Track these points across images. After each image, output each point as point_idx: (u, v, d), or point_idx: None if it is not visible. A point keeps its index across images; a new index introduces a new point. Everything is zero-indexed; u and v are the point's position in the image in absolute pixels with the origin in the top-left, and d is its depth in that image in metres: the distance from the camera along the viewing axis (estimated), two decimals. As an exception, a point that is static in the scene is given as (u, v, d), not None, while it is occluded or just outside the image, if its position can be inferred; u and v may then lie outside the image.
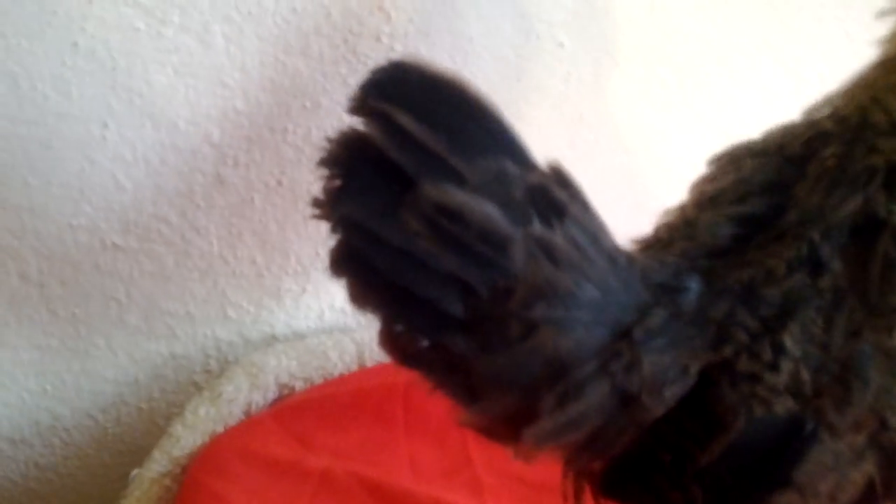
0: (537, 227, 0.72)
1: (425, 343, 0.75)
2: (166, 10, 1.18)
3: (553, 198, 0.73)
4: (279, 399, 1.34)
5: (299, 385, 1.36)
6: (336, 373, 1.38)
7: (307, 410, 1.28)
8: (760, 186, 0.83)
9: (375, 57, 1.32)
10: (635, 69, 1.49)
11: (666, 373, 0.76)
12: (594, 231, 0.76)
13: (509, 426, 0.77)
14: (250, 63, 1.25)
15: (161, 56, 1.21)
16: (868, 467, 0.77)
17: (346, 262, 0.74)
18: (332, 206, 0.73)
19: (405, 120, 0.70)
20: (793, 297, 0.77)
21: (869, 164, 0.79)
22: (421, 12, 1.32)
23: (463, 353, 0.73)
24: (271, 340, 1.48)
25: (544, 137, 1.46)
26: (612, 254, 0.76)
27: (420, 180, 0.70)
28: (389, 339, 0.76)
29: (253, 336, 1.47)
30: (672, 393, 0.76)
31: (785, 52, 1.52)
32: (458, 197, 0.70)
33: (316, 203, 0.74)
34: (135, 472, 1.24)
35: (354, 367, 1.38)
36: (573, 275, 0.73)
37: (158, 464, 1.23)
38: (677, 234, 0.84)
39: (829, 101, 0.87)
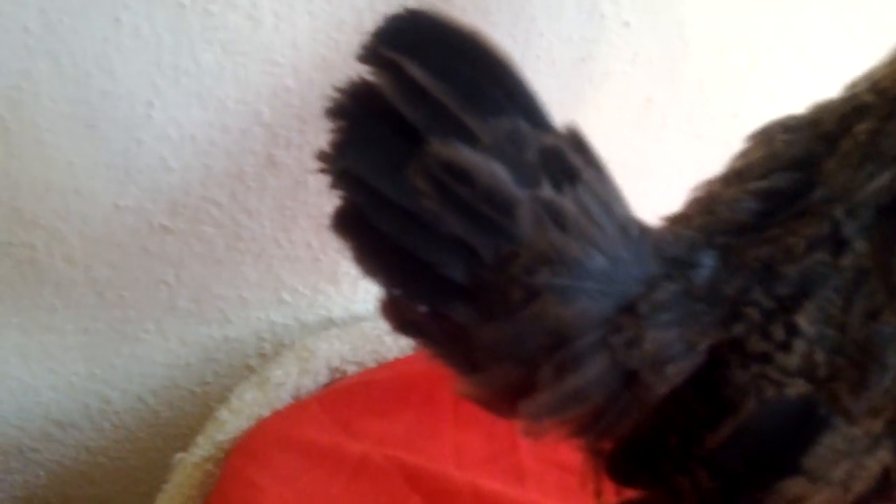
0: (547, 191, 0.69)
1: (424, 310, 0.73)
2: (213, -14, 1.16)
3: (566, 162, 0.71)
4: (330, 384, 1.31)
5: (352, 369, 1.33)
6: (391, 357, 1.35)
7: (354, 395, 1.25)
8: (788, 162, 0.78)
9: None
10: (706, 51, 1.42)
11: (670, 349, 0.73)
12: (607, 199, 0.72)
13: (509, 399, 0.75)
14: (301, 40, 1.22)
15: (208, 33, 1.18)
16: (884, 455, 0.72)
17: (346, 220, 0.71)
18: (334, 159, 0.70)
19: (417, 72, 0.68)
20: (811, 277, 0.72)
21: None
22: (480, -10, 1.28)
23: (463, 322, 0.71)
24: (328, 324, 1.45)
25: (611, 121, 1.43)
26: (625, 224, 0.73)
27: (429, 137, 0.68)
28: (388, 305, 0.74)
29: (309, 320, 1.44)
30: (676, 370, 0.73)
31: (864, 38, 1.43)
32: (466, 156, 0.68)
33: (320, 156, 0.71)
34: (178, 456, 1.23)
35: (410, 352, 1.35)
36: (581, 242, 0.70)
37: (202, 448, 1.22)
38: (700, 209, 0.80)
39: (870, 74, 0.81)
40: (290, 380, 1.28)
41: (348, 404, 1.24)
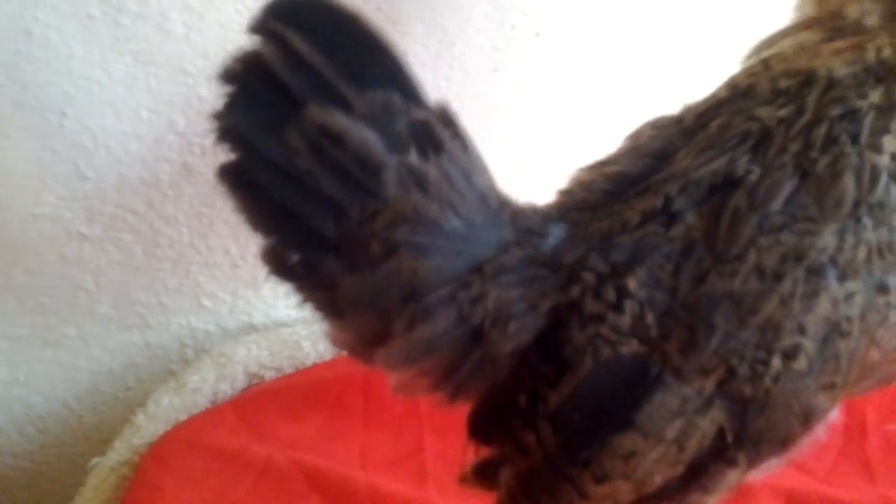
0: (413, 158, 0.76)
1: (296, 258, 0.79)
2: (122, -1, 1.18)
3: (433, 133, 0.78)
4: (248, 388, 1.33)
5: (269, 375, 1.36)
6: (308, 363, 1.38)
7: (267, 400, 1.28)
8: (646, 152, 0.85)
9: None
10: (617, 59, 1.45)
11: (512, 308, 0.79)
12: (468, 169, 0.79)
13: (369, 345, 0.82)
14: (212, 49, 1.24)
15: (119, 44, 1.21)
16: (717, 415, 0.78)
17: (229, 174, 0.77)
18: (221, 118, 0.76)
19: (299, 43, 0.74)
20: (643, 245, 0.79)
21: (745, 129, 0.80)
22: (390, 1, 1.30)
23: (330, 272, 0.78)
24: (249, 330, 1.47)
25: (525, 126, 1.46)
26: (485, 193, 0.80)
27: (308, 102, 0.74)
28: (267, 253, 0.80)
29: (230, 325, 1.47)
30: (518, 328, 0.80)
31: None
32: (340, 121, 0.74)
33: (213, 116, 0.77)
34: (95, 460, 1.25)
35: (329, 357, 1.37)
36: (440, 205, 0.78)
37: (118, 453, 1.24)
38: (562, 191, 0.88)
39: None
40: (206, 385, 1.30)
41: (261, 409, 1.26)
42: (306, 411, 1.26)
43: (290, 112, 0.75)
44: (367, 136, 0.75)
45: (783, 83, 0.82)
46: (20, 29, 1.15)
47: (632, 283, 0.78)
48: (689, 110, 0.88)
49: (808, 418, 0.80)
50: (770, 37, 0.88)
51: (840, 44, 0.82)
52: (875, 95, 0.78)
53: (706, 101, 0.87)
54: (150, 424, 1.26)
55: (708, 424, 0.79)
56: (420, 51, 1.35)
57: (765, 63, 0.85)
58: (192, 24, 1.23)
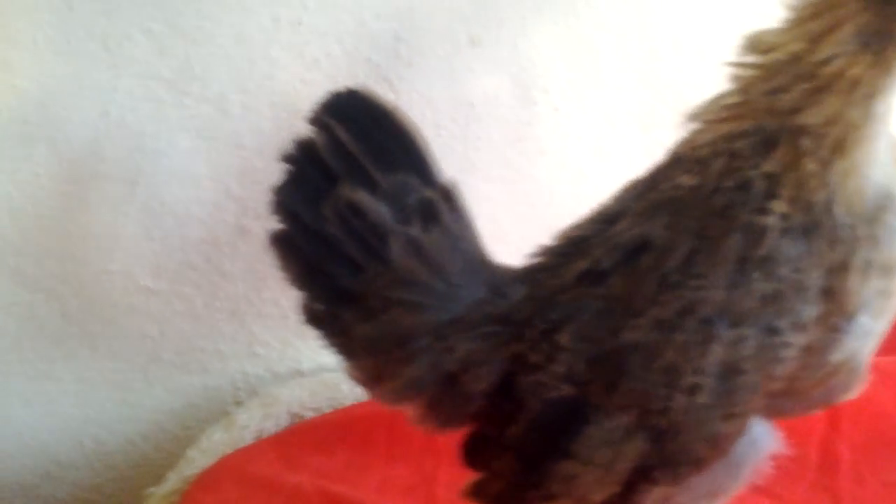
0: (415, 230, 0.95)
1: (322, 309, 0.98)
2: (187, 82, 1.36)
3: (434, 209, 0.96)
4: (289, 427, 1.47)
5: (309, 414, 1.49)
6: (346, 403, 1.52)
7: (302, 436, 1.42)
8: (604, 215, 0.99)
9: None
10: (633, 131, 1.58)
11: (475, 357, 0.96)
12: (459, 238, 0.98)
13: (373, 384, 1.01)
14: (266, 126, 1.41)
15: (184, 122, 1.38)
16: (639, 443, 0.93)
17: (277, 239, 0.97)
18: (277, 193, 0.96)
19: (343, 133, 0.95)
20: (575, 304, 0.94)
21: (670, 196, 0.94)
22: (423, 80, 1.46)
23: (347, 321, 0.96)
24: (296, 374, 1.62)
25: (548, 192, 1.59)
26: (469, 258, 0.99)
27: (342, 181, 0.94)
28: (303, 305, 0.99)
29: (280, 370, 1.61)
30: (482, 374, 0.96)
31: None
32: (362, 198, 0.94)
33: (272, 190, 0.96)
34: (150, 490, 1.39)
35: (364, 399, 1.50)
36: (430, 270, 0.96)
37: (170, 483, 1.38)
38: (533, 254, 1.03)
39: None
40: (253, 423, 1.45)
41: (297, 444, 1.40)
42: (336, 445, 1.40)
43: (330, 189, 0.94)
44: (380, 211, 0.94)
45: (702, 152, 0.93)
46: (100, 110, 1.33)
47: (563, 338, 0.94)
48: (651, 170, 1.00)
49: (714, 443, 0.93)
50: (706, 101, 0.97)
51: (737, 110, 0.91)
52: (766, 165, 0.88)
53: (656, 166, 1.00)
54: (202, 458, 1.40)
55: (632, 451, 0.93)
56: (450, 124, 1.50)
57: (697, 132, 0.96)
58: (247, 104, 1.39)
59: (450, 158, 1.49)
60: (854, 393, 0.98)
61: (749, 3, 1.35)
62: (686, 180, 0.93)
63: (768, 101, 0.88)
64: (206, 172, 1.42)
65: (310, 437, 1.42)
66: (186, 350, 1.54)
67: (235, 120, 1.40)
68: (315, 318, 0.99)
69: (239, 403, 1.59)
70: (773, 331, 0.88)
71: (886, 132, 0.90)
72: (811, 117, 0.86)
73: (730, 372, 0.89)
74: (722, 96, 0.94)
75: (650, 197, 0.96)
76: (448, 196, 0.98)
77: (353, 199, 0.93)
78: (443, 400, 0.98)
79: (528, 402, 0.95)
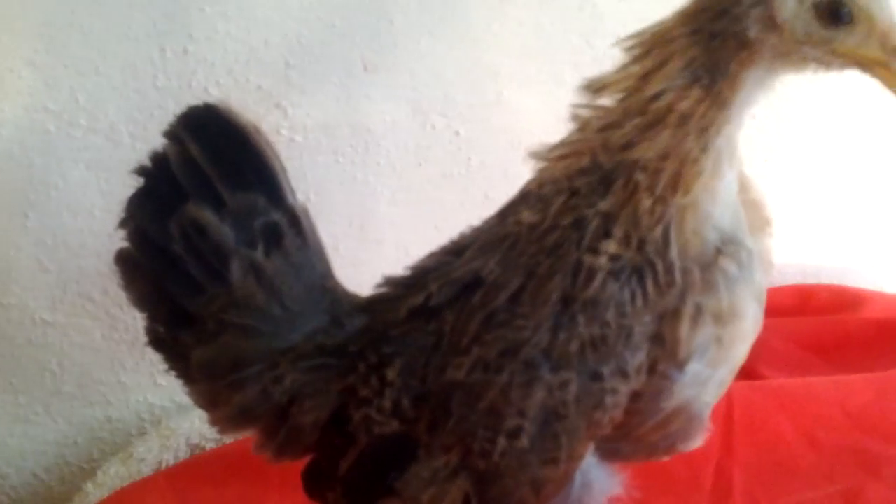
0: (258, 253, 0.91)
1: (162, 331, 0.95)
2: (74, 114, 1.35)
3: (279, 234, 0.92)
4: (189, 458, 1.45)
5: (209, 445, 1.47)
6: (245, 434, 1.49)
7: (198, 468, 1.40)
8: (454, 248, 0.97)
9: (277, 147, 1.45)
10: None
11: (305, 389, 0.94)
12: (302, 265, 0.94)
13: (210, 410, 0.98)
14: (156, 154, 1.40)
15: (73, 153, 1.37)
16: (462, 483, 0.91)
17: (121, 256, 0.94)
18: (125, 208, 0.93)
19: (194, 148, 0.90)
20: (406, 338, 0.92)
21: (508, 231, 0.92)
22: (318, 107, 1.45)
23: (185, 344, 0.93)
24: (200, 405, 1.61)
25: (454, 217, 1.57)
26: (311, 285, 0.95)
27: (191, 198, 0.90)
28: (147, 328, 0.96)
29: (185, 400, 1.57)
30: (312, 406, 0.94)
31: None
32: (206, 216, 0.90)
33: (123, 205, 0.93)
34: (46, 527, 1.38)
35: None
36: (268, 295, 0.92)
37: (65, 520, 1.36)
38: (379, 284, 1.00)
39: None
40: (151, 455, 1.43)
41: (191, 477, 1.38)
42: (231, 478, 1.36)
43: (178, 205, 0.90)
44: (223, 231, 0.90)
45: (545, 189, 0.91)
46: (-18, 144, 1.33)
47: (390, 373, 0.91)
48: (506, 203, 0.98)
49: (537, 488, 0.90)
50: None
51: (576, 147, 0.90)
52: (602, 203, 0.86)
53: (510, 199, 0.98)
54: (97, 492, 1.38)
55: (455, 491, 0.91)
56: (349, 150, 1.50)
57: (542, 169, 0.94)
58: (137, 133, 1.39)
59: (350, 185, 1.52)
60: (698, 441, 0.95)
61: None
62: (527, 216, 0.91)
63: (603, 137, 0.87)
64: (99, 203, 1.41)
65: (205, 469, 1.40)
66: (87, 382, 1.53)
67: (126, 150, 1.38)
68: (157, 340, 0.96)
69: (144, 435, 1.57)
70: (596, 376, 0.86)
71: (732, 171, 0.88)
72: (644, 152, 0.84)
73: (551, 416, 0.87)
74: (565, 136, 0.92)
75: (493, 231, 0.94)
76: (295, 220, 0.94)
77: (197, 218, 0.90)
78: (276, 430, 0.96)
79: (358, 436, 0.93)
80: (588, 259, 0.86)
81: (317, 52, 1.42)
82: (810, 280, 1.76)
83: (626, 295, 0.85)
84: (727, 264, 0.87)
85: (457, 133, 1.53)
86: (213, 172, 0.91)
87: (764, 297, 0.93)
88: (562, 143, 0.91)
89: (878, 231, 1.92)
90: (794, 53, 0.82)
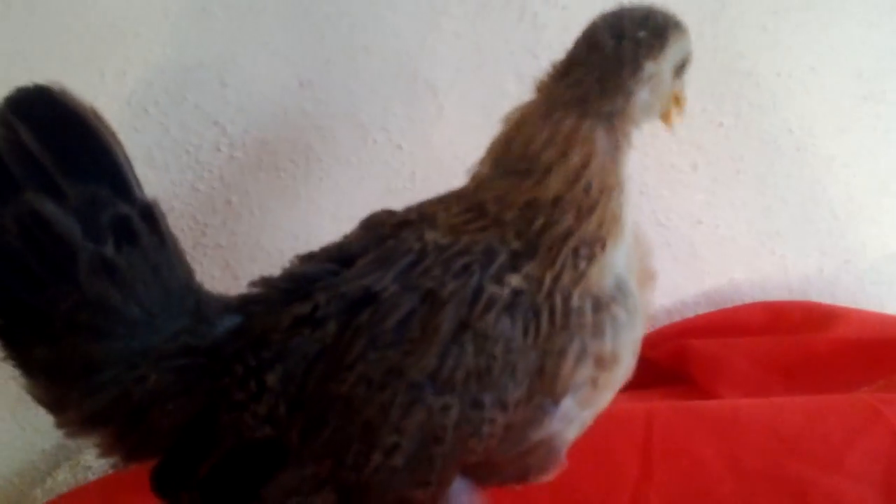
0: (107, 249, 0.89)
1: (2, 323, 0.90)
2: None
3: (131, 228, 0.90)
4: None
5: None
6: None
7: (129, 478, 1.42)
8: (343, 252, 0.97)
9: (217, 164, 1.49)
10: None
11: (169, 390, 0.92)
12: (160, 263, 0.92)
13: (54, 410, 0.95)
14: None
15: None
16: (328, 496, 0.91)
17: None
18: None
19: (26, 135, 0.87)
20: (288, 346, 0.91)
21: (409, 247, 0.93)
22: (255, 124, 1.48)
23: (27, 339, 0.90)
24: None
25: None
26: (171, 284, 0.93)
27: (26, 188, 0.87)
28: None
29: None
30: (174, 408, 0.92)
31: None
32: (49, 209, 0.87)
33: None
34: (-7, 530, 1.44)
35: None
36: (123, 294, 0.90)
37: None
38: (253, 283, 1.00)
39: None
40: (97, 463, 1.48)
41: (121, 486, 1.40)
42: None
43: (10, 195, 0.87)
44: (68, 225, 0.87)
45: (459, 218, 0.94)
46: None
47: (271, 378, 0.91)
48: (390, 216, 1.01)
49: None
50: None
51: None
52: (517, 244, 0.90)
53: (406, 210, 1.00)
54: (44, 497, 1.44)
55: (319, 502, 0.91)
56: (290, 166, 1.51)
57: (451, 196, 0.98)
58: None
59: (293, 200, 1.53)
60: (550, 475, 0.97)
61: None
62: (432, 236, 0.93)
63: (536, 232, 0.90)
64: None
65: (137, 478, 1.43)
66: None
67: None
68: None
69: (96, 443, 1.63)
70: (477, 405, 0.88)
71: (630, 224, 0.95)
72: (583, 233, 0.89)
73: (429, 439, 0.88)
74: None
75: (390, 245, 0.94)
76: (148, 215, 0.92)
77: (38, 209, 0.86)
78: (130, 432, 0.94)
79: (225, 439, 0.92)
80: (491, 288, 0.88)
81: (251, 70, 1.44)
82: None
83: (518, 331, 0.88)
84: (618, 310, 0.91)
85: (399, 147, 1.53)
86: (48, 160, 0.87)
87: (639, 348, 0.97)
88: (475, 218, 0.94)
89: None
90: (653, 109, 0.94)
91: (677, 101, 0.98)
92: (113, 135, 0.92)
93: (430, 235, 0.93)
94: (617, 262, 0.93)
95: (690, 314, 1.76)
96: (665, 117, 0.98)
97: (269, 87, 1.46)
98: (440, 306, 0.88)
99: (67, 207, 0.88)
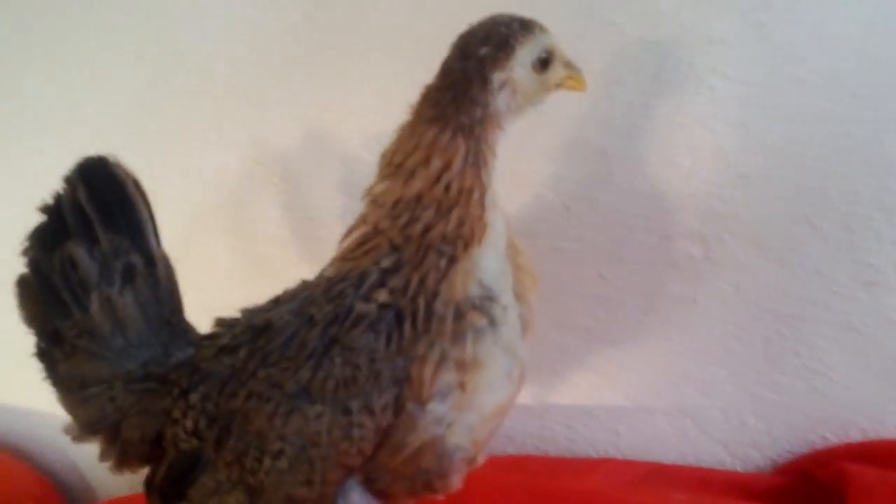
0: (113, 289, 1.11)
1: (43, 346, 1.14)
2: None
3: (133, 273, 1.12)
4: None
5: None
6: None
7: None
8: (282, 295, 1.13)
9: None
10: (652, 239, 1.58)
11: (132, 409, 1.12)
12: (147, 301, 1.13)
13: (70, 417, 1.16)
14: None
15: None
16: (239, 496, 1.05)
17: (19, 280, 1.13)
18: (26, 238, 1.13)
19: (82, 193, 1.11)
20: (211, 370, 1.08)
21: (312, 284, 1.09)
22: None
23: (55, 359, 1.14)
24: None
25: (566, 292, 1.63)
26: (154, 320, 1.14)
27: (73, 235, 1.11)
28: (35, 344, 1.15)
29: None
30: (139, 424, 1.11)
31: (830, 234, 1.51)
32: (78, 252, 1.10)
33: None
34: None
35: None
36: (114, 325, 1.12)
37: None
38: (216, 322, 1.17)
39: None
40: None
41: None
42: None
43: (60, 242, 1.10)
44: (90, 266, 1.10)
45: (349, 246, 1.07)
46: None
47: (193, 397, 1.08)
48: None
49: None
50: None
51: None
52: (386, 261, 1.02)
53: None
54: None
55: (233, 500, 1.05)
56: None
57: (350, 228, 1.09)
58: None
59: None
60: (455, 481, 1.06)
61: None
62: (328, 271, 1.08)
63: (403, 234, 1.02)
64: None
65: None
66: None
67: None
68: (39, 353, 1.14)
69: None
70: (346, 411, 0.99)
71: (497, 217, 1.06)
72: (442, 229, 1.01)
73: (307, 443, 1.00)
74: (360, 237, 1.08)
75: (300, 286, 1.11)
76: (151, 263, 1.13)
77: (72, 254, 1.09)
78: (114, 442, 1.13)
79: (168, 450, 1.09)
80: (359, 306, 1.01)
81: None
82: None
83: (381, 342, 0.99)
84: (477, 318, 1.00)
85: (567, 209, 1.58)
86: (94, 215, 1.10)
87: (517, 349, 1.05)
88: (362, 242, 1.06)
89: None
90: (527, 103, 1.08)
91: (569, 75, 1.11)
92: (144, 200, 1.14)
93: (327, 271, 1.08)
94: (484, 268, 1.03)
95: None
96: (569, 87, 1.13)
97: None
98: (314, 326, 1.02)
99: (97, 252, 1.10)
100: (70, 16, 1.72)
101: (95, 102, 1.76)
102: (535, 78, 1.07)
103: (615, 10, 1.49)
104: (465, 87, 1.02)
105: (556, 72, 1.10)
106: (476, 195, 1.01)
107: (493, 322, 1.01)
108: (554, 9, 1.45)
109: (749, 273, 1.56)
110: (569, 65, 1.11)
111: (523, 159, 1.58)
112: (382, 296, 1.00)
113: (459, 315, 1.00)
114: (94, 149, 1.15)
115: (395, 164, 1.03)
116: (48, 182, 1.13)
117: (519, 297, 1.08)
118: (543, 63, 1.07)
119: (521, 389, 1.10)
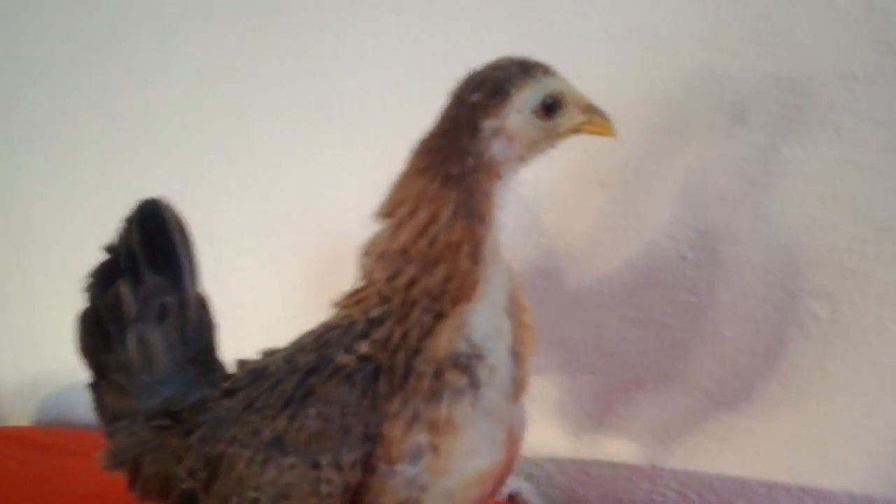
0: (147, 326, 1.17)
1: (93, 377, 1.20)
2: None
3: (166, 312, 1.17)
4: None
5: None
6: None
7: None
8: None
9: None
10: (773, 294, 1.46)
11: (147, 445, 1.13)
12: (176, 340, 1.18)
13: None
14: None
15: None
16: None
17: (79, 314, 1.20)
18: (88, 275, 1.20)
19: (135, 235, 1.19)
20: (213, 411, 1.07)
21: (307, 333, 1.05)
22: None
23: (101, 389, 1.19)
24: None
25: (681, 348, 1.53)
26: (178, 359, 1.18)
27: (124, 273, 1.18)
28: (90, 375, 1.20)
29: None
30: (152, 459, 1.12)
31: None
32: (123, 291, 1.17)
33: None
34: None
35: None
36: (144, 363, 1.16)
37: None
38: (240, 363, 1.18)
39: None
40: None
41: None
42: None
43: (112, 281, 1.17)
44: (131, 305, 1.16)
45: (347, 294, 1.02)
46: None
47: (193, 438, 1.07)
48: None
49: None
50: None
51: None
52: (374, 311, 0.96)
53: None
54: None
55: None
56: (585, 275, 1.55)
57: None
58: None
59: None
60: None
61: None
62: (328, 319, 1.03)
63: (389, 286, 0.96)
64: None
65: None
66: None
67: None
68: (91, 384, 1.20)
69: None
70: (315, 465, 0.94)
71: (498, 273, 0.98)
72: (427, 283, 0.94)
73: (279, 496, 0.96)
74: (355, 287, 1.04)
75: (301, 339, 1.07)
76: (184, 303, 1.17)
77: (119, 292, 1.16)
78: (136, 476, 1.14)
79: (174, 489, 1.08)
80: (339, 357, 0.96)
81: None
82: None
83: (355, 395, 0.94)
84: (457, 378, 0.93)
85: (683, 257, 1.49)
86: (141, 256, 1.16)
87: (503, 413, 0.97)
88: (356, 291, 1.01)
89: None
90: (530, 151, 0.99)
91: (588, 120, 1.00)
92: (189, 241, 1.19)
93: (328, 318, 1.03)
94: (475, 325, 0.95)
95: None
96: (590, 132, 1.02)
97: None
98: (295, 374, 0.98)
99: (140, 291, 1.16)
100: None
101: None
102: (540, 125, 0.98)
103: (742, 42, 1.40)
104: (454, 135, 0.95)
105: (570, 117, 1.00)
106: (466, 249, 0.94)
107: (474, 383, 0.94)
108: (676, 42, 1.42)
109: (882, 340, 1.39)
110: (589, 108, 1.01)
111: (642, 201, 1.50)
112: (364, 347, 0.95)
113: (439, 373, 0.93)
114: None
115: (384, 214, 0.97)
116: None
117: (516, 356, 0.99)
118: (549, 108, 0.98)
119: (517, 453, 1.02)
